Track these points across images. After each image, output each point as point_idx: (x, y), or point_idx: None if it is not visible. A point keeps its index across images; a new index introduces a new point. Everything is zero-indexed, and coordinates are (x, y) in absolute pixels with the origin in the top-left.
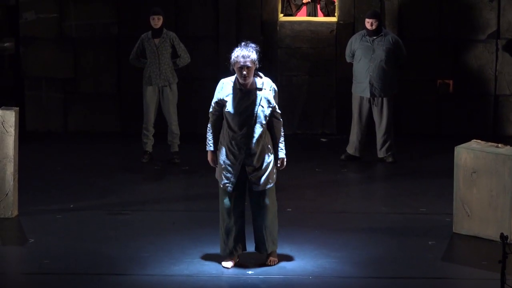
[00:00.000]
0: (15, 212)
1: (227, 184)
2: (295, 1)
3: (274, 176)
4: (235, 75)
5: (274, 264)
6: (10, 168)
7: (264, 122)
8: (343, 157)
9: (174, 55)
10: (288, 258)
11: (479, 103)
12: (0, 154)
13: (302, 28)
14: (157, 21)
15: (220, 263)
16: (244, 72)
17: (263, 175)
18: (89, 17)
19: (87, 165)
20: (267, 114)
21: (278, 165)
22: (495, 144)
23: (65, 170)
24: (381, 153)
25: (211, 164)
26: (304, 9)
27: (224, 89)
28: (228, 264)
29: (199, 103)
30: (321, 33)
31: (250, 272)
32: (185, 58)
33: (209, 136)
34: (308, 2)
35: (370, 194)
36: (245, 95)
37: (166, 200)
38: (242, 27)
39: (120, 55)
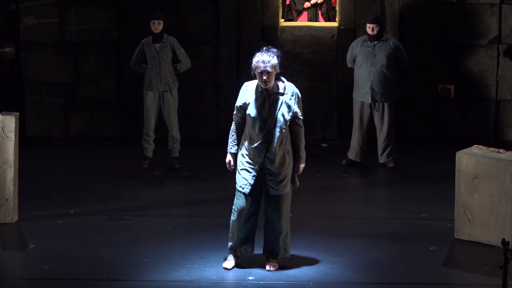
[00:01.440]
0: (15, 218)
1: (244, 185)
2: (296, 6)
3: (293, 182)
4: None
5: (274, 269)
6: (10, 174)
7: (284, 127)
8: (344, 162)
9: (175, 60)
10: (289, 264)
11: (480, 108)
12: (0, 160)
13: (303, 33)
14: (157, 26)
15: (221, 267)
16: (265, 77)
17: (281, 180)
18: (90, 22)
19: (88, 170)
20: (288, 119)
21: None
22: (497, 150)
23: (65, 175)
24: (382, 159)
25: (227, 166)
26: (305, 14)
27: (247, 92)
28: (228, 264)
29: (200, 108)
30: (322, 38)
31: (250, 278)
32: (185, 63)
33: (231, 138)
34: (309, 7)
35: (371, 199)
36: (266, 99)
37: (167, 206)
38: (243, 32)
39: (121, 60)
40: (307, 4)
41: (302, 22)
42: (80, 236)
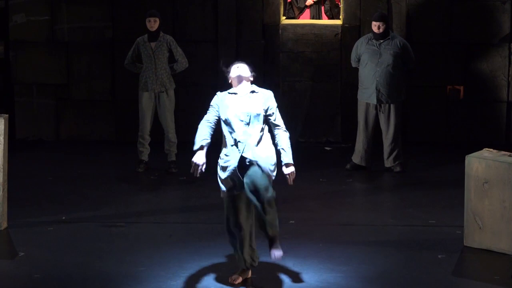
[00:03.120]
0: (4, 224)
1: (230, 189)
2: (298, 3)
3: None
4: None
5: (279, 255)
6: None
7: (259, 122)
8: (348, 166)
9: (171, 59)
10: (292, 273)
11: (491, 109)
12: None
13: (305, 32)
14: (153, 24)
15: (219, 276)
16: (238, 65)
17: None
18: (82, 20)
19: (80, 175)
20: (261, 115)
21: (286, 172)
22: (508, 153)
23: (57, 180)
24: (388, 162)
25: (194, 169)
26: (307, 12)
27: (219, 96)
28: (236, 279)
29: (197, 110)
30: (325, 36)
31: (250, 287)
32: (182, 63)
33: (198, 136)
34: (312, 5)
35: (377, 205)
36: (240, 98)
37: (163, 212)
38: (243, 30)
39: (115, 59)
40: (309, 1)
41: (305, 20)
42: (73, 244)
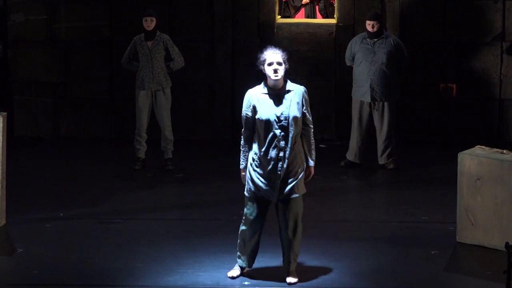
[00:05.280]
0: (3, 221)
1: (261, 188)
2: (293, 2)
3: (303, 186)
4: (260, 85)
5: (295, 282)
6: None
7: (296, 125)
8: (342, 163)
9: (168, 58)
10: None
11: (483, 107)
12: None
13: (300, 30)
14: (150, 23)
15: (215, 272)
16: (275, 68)
17: (291, 183)
18: (80, 19)
19: (78, 172)
20: (299, 117)
21: (306, 175)
22: (500, 150)
23: (55, 177)
24: (382, 160)
25: (244, 181)
26: (302, 11)
27: (252, 97)
28: (234, 273)
29: (194, 108)
30: (320, 35)
31: (246, 283)
32: (179, 61)
33: (243, 154)
34: (307, 4)
35: (370, 202)
36: (275, 98)
37: (160, 209)
38: (238, 29)
39: (112, 58)
40: (305, 0)
41: (300, 19)
42: (70, 240)
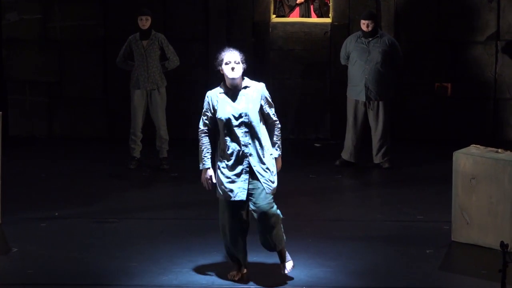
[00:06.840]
0: None
1: (238, 191)
2: (288, 1)
3: (274, 179)
4: (219, 86)
5: (291, 269)
6: None
7: (256, 120)
8: (337, 163)
9: (163, 57)
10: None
11: (478, 106)
12: None
13: (295, 30)
14: (145, 22)
15: (210, 271)
16: (232, 66)
17: (271, 175)
18: (75, 18)
19: (73, 171)
20: (258, 111)
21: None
22: (495, 149)
23: (49, 176)
24: (377, 159)
25: (204, 184)
26: (296, 10)
27: (211, 98)
28: (235, 276)
29: (189, 107)
30: (314, 34)
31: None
32: (174, 60)
33: (202, 153)
34: (302, 3)
35: (365, 201)
36: (233, 97)
37: (155, 208)
38: (233, 28)
39: (107, 57)
40: None
41: (295, 18)
42: (65, 240)
